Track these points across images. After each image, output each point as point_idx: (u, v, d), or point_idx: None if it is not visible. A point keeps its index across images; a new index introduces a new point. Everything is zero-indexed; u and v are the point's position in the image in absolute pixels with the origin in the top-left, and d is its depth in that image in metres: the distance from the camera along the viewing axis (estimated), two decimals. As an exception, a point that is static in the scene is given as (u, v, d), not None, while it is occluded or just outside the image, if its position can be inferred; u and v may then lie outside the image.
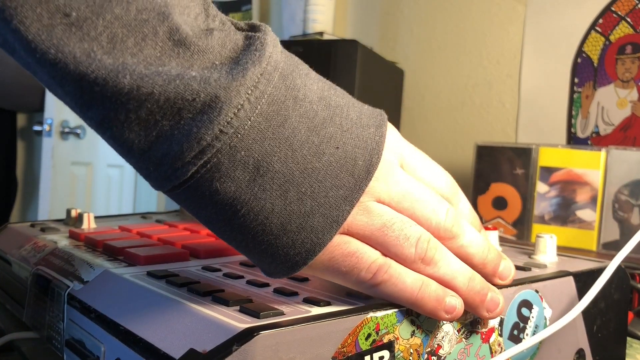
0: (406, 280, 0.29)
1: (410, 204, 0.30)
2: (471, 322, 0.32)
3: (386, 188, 0.29)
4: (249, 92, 0.25)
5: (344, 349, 0.27)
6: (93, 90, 0.23)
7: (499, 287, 0.34)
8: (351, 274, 0.29)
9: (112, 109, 0.24)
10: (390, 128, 0.31)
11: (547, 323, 0.36)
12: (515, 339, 0.34)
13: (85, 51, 0.23)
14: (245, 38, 0.26)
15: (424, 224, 0.30)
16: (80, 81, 0.23)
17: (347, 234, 0.29)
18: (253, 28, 0.28)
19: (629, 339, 0.50)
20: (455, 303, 0.30)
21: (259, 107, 0.25)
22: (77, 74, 0.23)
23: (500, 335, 0.34)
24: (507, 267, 0.34)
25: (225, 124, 0.24)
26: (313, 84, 0.28)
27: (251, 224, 0.27)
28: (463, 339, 0.32)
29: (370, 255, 0.29)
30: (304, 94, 0.27)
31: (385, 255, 0.29)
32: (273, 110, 0.25)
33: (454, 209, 0.32)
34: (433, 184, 0.33)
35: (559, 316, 0.36)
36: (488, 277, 0.33)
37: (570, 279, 0.38)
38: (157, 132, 0.24)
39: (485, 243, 0.33)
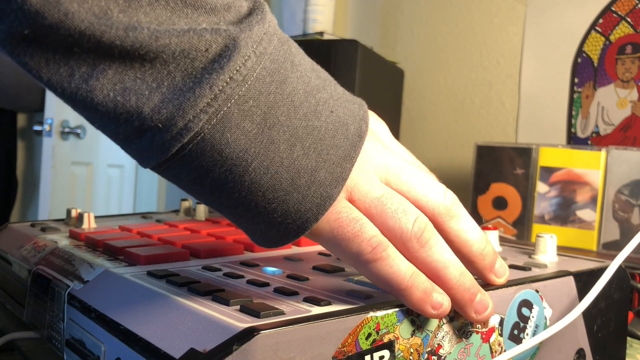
0: (400, 265, 0.29)
1: (408, 179, 0.31)
2: (471, 322, 0.32)
3: (383, 163, 0.31)
4: (255, 46, 0.26)
5: (344, 348, 0.27)
6: (113, 45, 0.24)
7: (496, 286, 0.34)
8: (353, 242, 0.29)
9: (128, 63, 0.25)
10: (376, 117, 0.33)
11: (548, 323, 0.37)
12: (516, 338, 0.35)
13: (103, 9, 0.24)
14: (248, 7, 0.28)
15: (422, 200, 0.31)
16: (101, 37, 0.24)
17: (349, 201, 0.29)
18: (255, 2, 0.29)
19: (629, 338, 0.50)
20: (442, 300, 0.30)
21: (262, 62, 0.26)
22: (97, 30, 0.24)
23: (501, 335, 0.34)
24: (503, 265, 0.34)
25: (235, 71, 0.25)
26: (305, 57, 0.30)
27: (262, 179, 0.27)
28: (463, 339, 0.32)
29: (372, 228, 0.29)
30: (299, 61, 0.29)
31: (384, 234, 0.29)
32: (274, 68, 0.27)
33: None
34: (423, 168, 0.33)
35: (559, 316, 0.36)
36: (484, 272, 0.33)
37: (571, 278, 0.38)
38: (168, 82, 0.25)
39: (483, 235, 0.33)
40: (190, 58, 0.25)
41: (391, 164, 0.31)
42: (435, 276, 0.30)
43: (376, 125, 0.33)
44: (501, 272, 0.34)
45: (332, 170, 0.28)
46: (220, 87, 0.25)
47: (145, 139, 0.26)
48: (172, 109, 0.25)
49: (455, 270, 0.30)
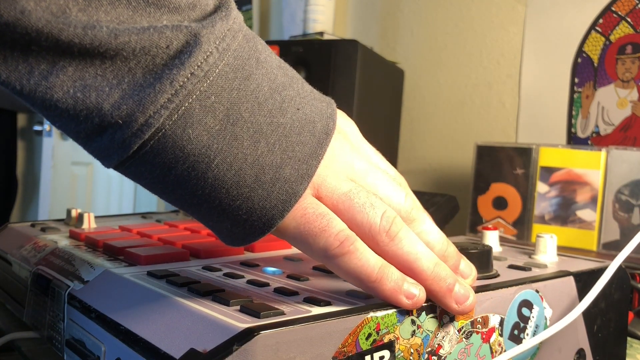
0: (369, 258, 0.29)
1: (373, 181, 0.31)
2: (471, 322, 0.32)
3: (350, 162, 0.31)
4: (217, 42, 0.26)
5: (345, 348, 0.27)
6: (71, 43, 0.24)
7: (496, 286, 0.34)
8: (320, 237, 0.29)
9: (88, 60, 0.24)
10: (346, 117, 0.33)
11: (548, 323, 0.37)
12: (516, 339, 0.35)
13: (61, 8, 0.24)
14: (214, 5, 0.28)
15: (384, 202, 0.31)
16: (59, 35, 0.24)
17: (317, 197, 0.29)
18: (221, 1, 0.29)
19: (629, 339, 0.50)
20: (416, 290, 0.29)
21: (225, 58, 0.26)
22: (55, 28, 0.23)
23: (501, 335, 0.34)
24: (468, 266, 0.33)
25: (196, 67, 0.25)
26: (271, 55, 0.29)
27: (226, 176, 0.27)
28: (463, 339, 0.32)
29: (339, 223, 0.29)
30: (264, 58, 0.28)
31: (350, 228, 0.29)
32: (238, 64, 0.27)
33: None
34: (388, 172, 0.33)
35: (560, 316, 0.36)
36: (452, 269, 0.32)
37: (571, 278, 0.38)
38: (129, 79, 0.25)
39: (444, 237, 0.33)
40: (151, 55, 0.25)
41: (357, 164, 0.31)
42: (408, 269, 0.30)
43: (345, 125, 0.33)
44: (467, 272, 0.33)
45: (298, 167, 0.28)
46: (181, 83, 0.25)
47: (106, 136, 0.26)
48: (133, 105, 0.25)
49: (429, 261, 0.30)
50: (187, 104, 0.25)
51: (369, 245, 0.30)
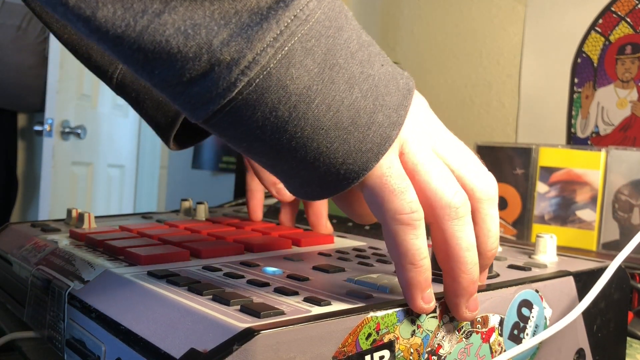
0: (424, 243, 0.30)
1: (454, 150, 0.32)
2: (471, 322, 0.32)
3: (430, 128, 0.32)
4: None
5: (345, 348, 0.27)
6: None
7: (496, 286, 0.34)
8: (397, 197, 0.29)
9: (198, 1, 0.26)
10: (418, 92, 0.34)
11: (547, 323, 0.37)
12: (516, 338, 0.35)
13: None
14: None
15: (462, 171, 0.31)
16: None
17: (399, 155, 0.30)
18: None
19: (629, 338, 0.50)
20: (432, 300, 0.30)
21: (322, 7, 0.27)
22: None
23: (501, 335, 0.34)
24: (485, 275, 0.34)
25: (299, 10, 0.27)
26: (353, 17, 0.30)
27: (325, 117, 0.28)
28: (463, 339, 0.32)
29: (414, 193, 0.30)
30: (351, 17, 0.30)
31: (421, 198, 0.30)
32: (332, 15, 0.28)
33: None
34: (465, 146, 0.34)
35: (559, 316, 0.36)
36: (479, 268, 0.33)
37: (570, 278, 0.39)
38: (236, 20, 0.26)
39: (499, 236, 0.33)
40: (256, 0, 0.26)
41: (437, 131, 0.32)
42: (452, 254, 0.30)
43: (419, 95, 0.33)
44: (483, 279, 0.34)
45: (389, 114, 0.29)
46: (286, 24, 0.26)
47: (210, 77, 0.27)
48: (241, 42, 0.26)
49: (473, 257, 0.30)
50: (290, 45, 0.26)
51: (429, 217, 0.30)
